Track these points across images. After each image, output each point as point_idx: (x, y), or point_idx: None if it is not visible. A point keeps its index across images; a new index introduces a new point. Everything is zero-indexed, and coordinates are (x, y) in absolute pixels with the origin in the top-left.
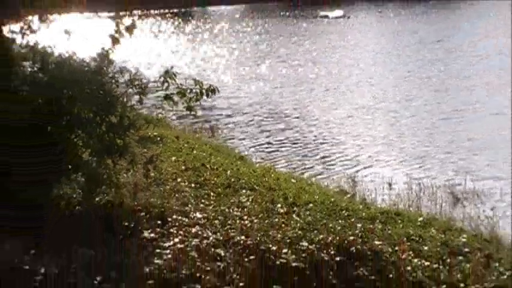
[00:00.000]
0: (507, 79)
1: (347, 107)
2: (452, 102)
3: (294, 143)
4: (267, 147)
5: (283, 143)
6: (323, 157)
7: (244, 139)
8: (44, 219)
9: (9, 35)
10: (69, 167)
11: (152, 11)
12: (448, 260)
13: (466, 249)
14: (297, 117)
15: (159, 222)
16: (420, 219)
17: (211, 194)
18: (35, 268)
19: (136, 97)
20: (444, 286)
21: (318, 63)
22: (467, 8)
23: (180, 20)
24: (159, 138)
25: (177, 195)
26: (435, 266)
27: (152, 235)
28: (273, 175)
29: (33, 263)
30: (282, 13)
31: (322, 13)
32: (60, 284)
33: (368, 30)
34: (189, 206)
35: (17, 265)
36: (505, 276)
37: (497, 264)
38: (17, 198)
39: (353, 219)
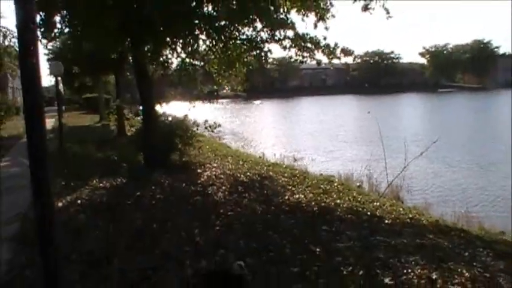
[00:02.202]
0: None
1: (261, 129)
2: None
3: (242, 140)
4: (235, 141)
5: (239, 140)
6: (253, 145)
7: (227, 139)
8: (167, 164)
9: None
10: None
11: (201, 100)
12: (293, 178)
13: (297, 175)
14: (241, 133)
15: (202, 166)
16: (284, 166)
17: (219, 158)
18: (165, 182)
19: (195, 127)
20: (292, 188)
21: (248, 117)
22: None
23: (210, 102)
24: (202, 140)
25: (208, 158)
26: (286, 180)
27: (200, 171)
28: (238, 152)
29: (164, 178)
30: (241, 101)
31: (254, 102)
32: (172, 185)
33: (266, 108)
34: (212, 162)
35: (159, 178)
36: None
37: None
38: (158, 160)
39: (262, 165)
